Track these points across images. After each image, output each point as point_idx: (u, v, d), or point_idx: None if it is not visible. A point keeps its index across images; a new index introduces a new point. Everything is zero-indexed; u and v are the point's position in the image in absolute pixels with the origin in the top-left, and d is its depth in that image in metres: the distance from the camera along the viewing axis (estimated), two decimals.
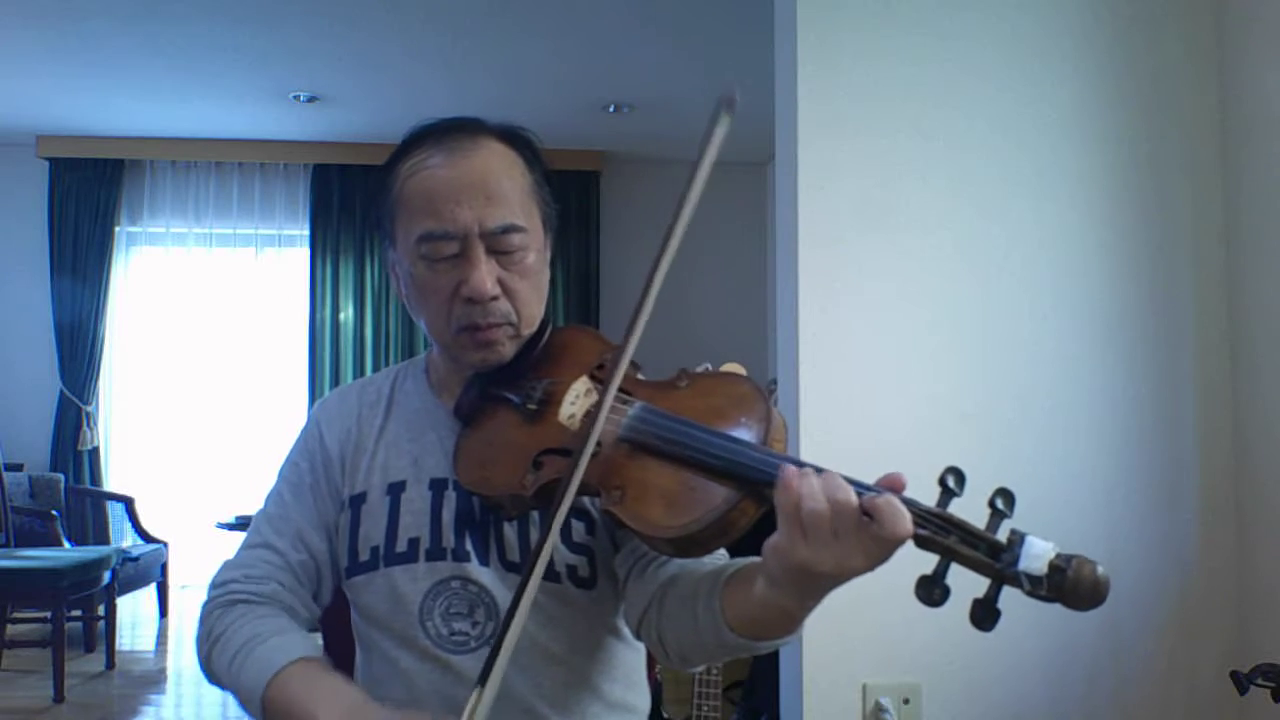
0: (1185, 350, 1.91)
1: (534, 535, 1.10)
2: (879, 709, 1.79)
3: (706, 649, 0.96)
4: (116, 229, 6.09)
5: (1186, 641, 1.88)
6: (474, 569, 1.09)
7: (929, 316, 1.85)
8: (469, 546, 1.10)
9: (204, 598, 1.15)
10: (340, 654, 1.36)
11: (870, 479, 0.81)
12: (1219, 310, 1.91)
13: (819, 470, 0.81)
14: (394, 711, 0.98)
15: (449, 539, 1.10)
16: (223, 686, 1.08)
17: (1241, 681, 1.44)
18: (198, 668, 1.14)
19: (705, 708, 2.57)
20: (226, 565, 1.16)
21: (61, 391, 5.96)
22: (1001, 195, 1.88)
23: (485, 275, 1.05)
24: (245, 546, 1.17)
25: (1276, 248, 1.81)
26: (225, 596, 1.13)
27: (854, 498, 0.78)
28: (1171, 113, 1.93)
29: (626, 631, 1.13)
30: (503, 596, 1.08)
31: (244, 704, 1.03)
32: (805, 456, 1.80)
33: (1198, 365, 1.91)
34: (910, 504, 0.77)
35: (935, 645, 1.79)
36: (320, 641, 1.42)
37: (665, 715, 2.75)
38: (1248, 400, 1.87)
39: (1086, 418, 1.88)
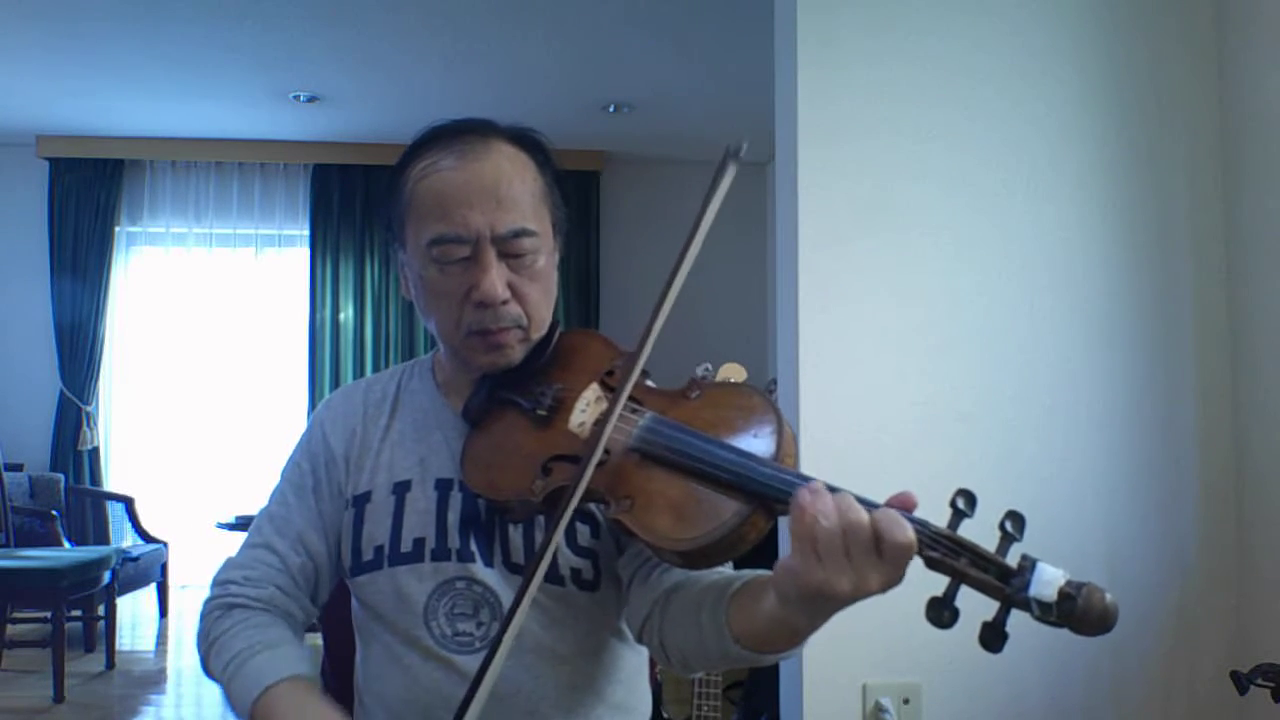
0: (1185, 350, 1.91)
1: (538, 537, 1.10)
2: (879, 709, 1.79)
3: (709, 658, 0.96)
4: (116, 229, 6.09)
5: (1186, 641, 1.88)
6: (479, 570, 1.09)
7: (928, 317, 1.85)
8: (474, 547, 1.10)
9: (206, 593, 1.17)
10: (340, 650, 1.36)
11: (870, 478, 0.81)
12: (1219, 310, 1.91)
13: (832, 489, 0.80)
14: None
15: (454, 540, 1.10)
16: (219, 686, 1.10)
17: (1241, 681, 1.44)
18: (198, 667, 1.16)
19: (705, 708, 2.57)
20: (228, 563, 1.17)
21: (61, 391, 5.96)
22: (1001, 196, 1.88)
23: (496, 279, 1.05)
24: (247, 545, 1.18)
25: (1276, 248, 1.81)
26: (224, 598, 1.14)
27: (865, 517, 0.77)
28: (1171, 113, 1.93)
29: (629, 633, 1.13)
30: (507, 597, 1.08)
31: (234, 711, 1.04)
32: (805, 456, 1.80)
33: (1198, 365, 1.90)
34: (921, 525, 0.77)
35: (935, 645, 1.79)
36: (320, 642, 1.43)
37: (665, 715, 2.75)
38: (1248, 400, 1.87)
39: (1086, 417, 1.88)
